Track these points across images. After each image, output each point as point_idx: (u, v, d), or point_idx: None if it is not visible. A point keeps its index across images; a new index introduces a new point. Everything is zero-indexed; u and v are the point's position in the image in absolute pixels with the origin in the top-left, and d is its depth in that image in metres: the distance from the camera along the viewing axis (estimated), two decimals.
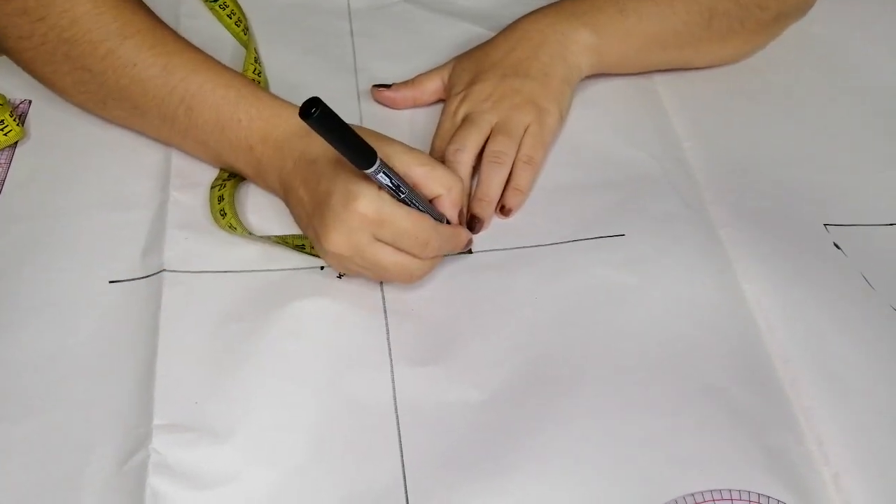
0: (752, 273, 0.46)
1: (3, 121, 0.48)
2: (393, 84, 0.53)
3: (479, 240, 0.47)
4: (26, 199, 0.48)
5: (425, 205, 0.42)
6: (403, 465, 0.38)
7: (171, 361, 0.41)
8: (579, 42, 0.51)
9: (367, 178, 0.39)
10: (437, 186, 0.42)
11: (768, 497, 0.38)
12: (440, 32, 0.59)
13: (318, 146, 0.42)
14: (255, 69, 0.53)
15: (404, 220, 0.40)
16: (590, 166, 0.51)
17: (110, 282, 0.44)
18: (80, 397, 0.40)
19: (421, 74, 0.54)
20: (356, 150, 0.37)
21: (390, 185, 0.39)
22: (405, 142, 0.43)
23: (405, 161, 0.41)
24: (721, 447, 0.40)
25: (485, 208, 0.47)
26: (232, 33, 0.57)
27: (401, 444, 0.39)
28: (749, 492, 0.38)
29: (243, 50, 0.56)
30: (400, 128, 0.53)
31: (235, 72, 0.47)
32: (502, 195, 0.48)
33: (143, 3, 0.48)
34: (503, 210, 0.48)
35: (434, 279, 0.45)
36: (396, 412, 0.40)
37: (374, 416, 0.40)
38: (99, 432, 0.39)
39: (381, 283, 0.45)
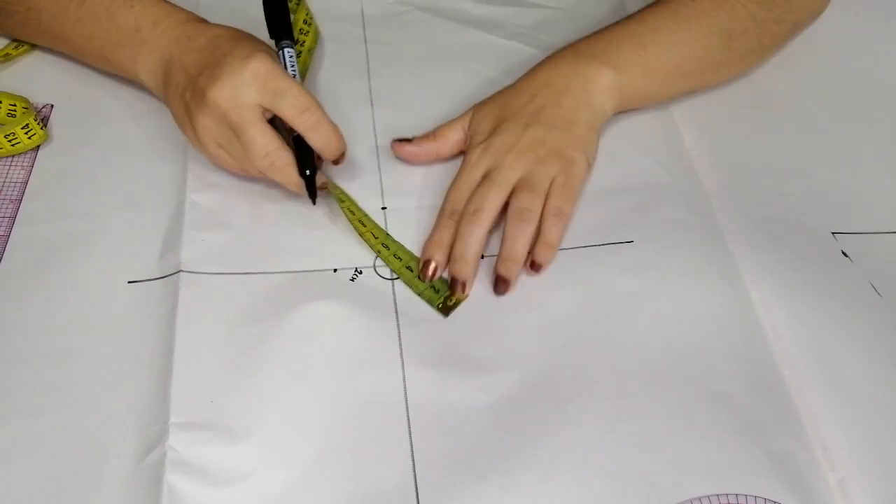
0: (760, 280, 0.46)
1: (27, 124, 0.50)
2: (414, 138, 0.51)
3: (493, 246, 0.47)
4: (48, 201, 0.48)
5: None
6: (414, 465, 0.39)
7: (188, 360, 0.41)
8: (602, 83, 0.49)
9: (268, 51, 0.45)
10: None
11: (774, 502, 0.38)
12: (452, 39, 0.60)
13: (221, 28, 0.46)
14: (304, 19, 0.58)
15: (290, 84, 0.43)
16: (598, 174, 0.51)
17: (129, 282, 0.45)
18: (99, 394, 0.40)
19: (442, 126, 0.51)
20: (283, 23, 0.46)
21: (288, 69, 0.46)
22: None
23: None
24: (726, 452, 0.40)
25: (510, 269, 0.44)
26: None
27: (412, 445, 0.39)
28: (755, 497, 0.39)
29: None
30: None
31: None
32: (531, 250, 0.45)
33: None
34: (533, 265, 0.45)
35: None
36: (408, 413, 0.41)
37: (385, 417, 0.40)
38: (117, 429, 0.39)
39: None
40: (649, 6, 0.51)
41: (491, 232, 0.46)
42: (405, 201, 0.50)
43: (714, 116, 0.56)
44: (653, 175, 0.52)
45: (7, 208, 0.48)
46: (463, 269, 0.44)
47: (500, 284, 0.44)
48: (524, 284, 0.46)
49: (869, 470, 0.40)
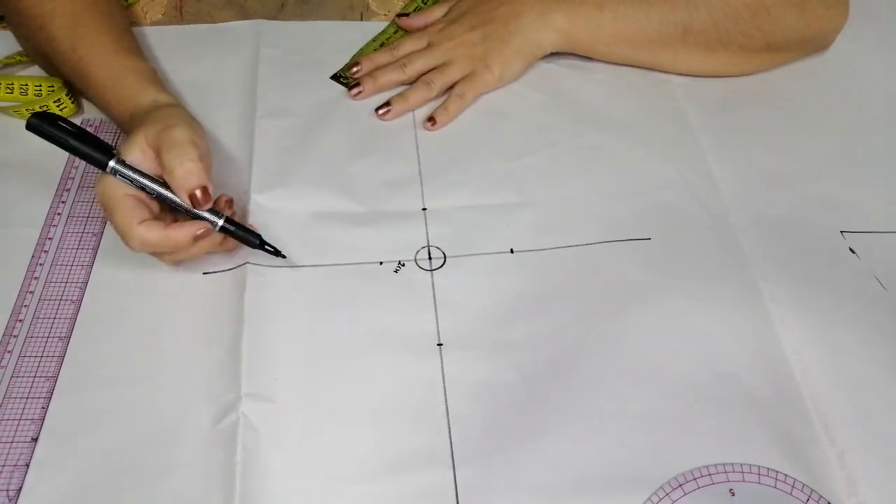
0: (770, 272, 0.49)
1: (59, 99, 0.56)
2: (411, 14, 0.63)
3: (522, 242, 0.51)
4: None
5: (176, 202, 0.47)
6: (450, 432, 0.43)
7: (255, 341, 0.46)
8: (551, 24, 0.57)
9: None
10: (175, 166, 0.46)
11: (776, 471, 0.41)
12: None
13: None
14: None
15: (113, 211, 0.45)
16: (619, 177, 0.55)
17: (203, 273, 0.50)
18: (180, 367, 0.46)
19: (434, 5, 0.63)
20: (88, 156, 0.44)
21: (133, 185, 0.45)
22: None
23: (174, 154, 0.45)
24: (733, 427, 0.43)
25: (399, 104, 0.57)
26: None
27: (448, 414, 0.44)
28: (759, 466, 0.42)
29: None
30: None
31: (132, 57, 0.54)
32: (435, 110, 0.57)
33: None
34: (430, 120, 0.57)
35: (480, 275, 0.50)
36: (444, 387, 0.45)
37: (425, 391, 0.45)
38: (195, 396, 0.44)
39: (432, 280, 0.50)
40: None
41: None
42: (444, 202, 0.54)
43: (729, 124, 0.59)
44: (670, 179, 0.55)
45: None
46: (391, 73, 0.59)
47: (385, 111, 0.57)
48: (551, 275, 0.49)
49: (867, 445, 0.42)
